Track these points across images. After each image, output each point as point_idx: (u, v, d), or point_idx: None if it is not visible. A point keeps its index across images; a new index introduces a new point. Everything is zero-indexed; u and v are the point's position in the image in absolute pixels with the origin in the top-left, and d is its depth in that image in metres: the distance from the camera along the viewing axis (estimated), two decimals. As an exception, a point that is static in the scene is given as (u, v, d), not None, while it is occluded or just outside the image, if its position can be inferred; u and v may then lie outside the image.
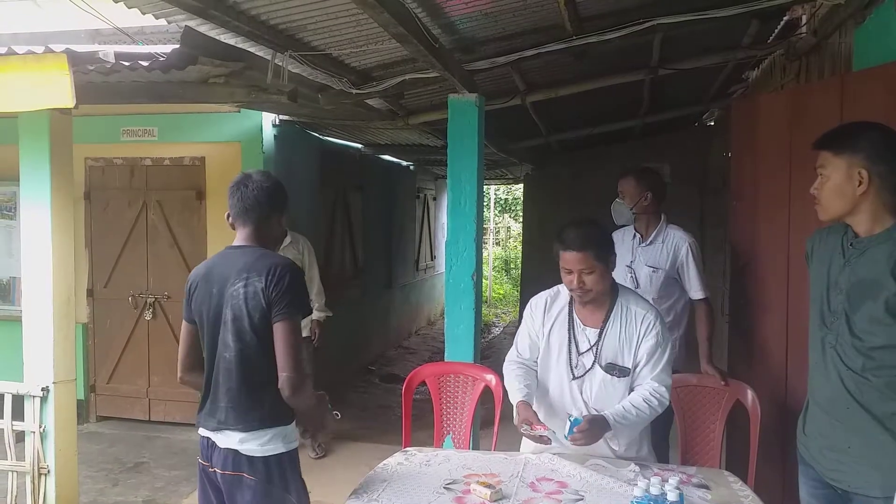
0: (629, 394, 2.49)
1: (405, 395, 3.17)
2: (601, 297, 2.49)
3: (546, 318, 2.61)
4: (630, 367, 2.50)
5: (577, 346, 2.54)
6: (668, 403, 2.50)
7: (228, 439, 2.17)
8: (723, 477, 2.43)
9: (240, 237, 2.31)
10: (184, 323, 2.35)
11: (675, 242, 3.42)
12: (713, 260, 7.52)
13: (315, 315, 4.99)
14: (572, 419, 2.31)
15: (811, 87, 3.83)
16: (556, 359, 2.57)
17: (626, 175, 3.52)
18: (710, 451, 2.92)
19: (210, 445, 2.23)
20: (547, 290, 2.68)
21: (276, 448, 2.17)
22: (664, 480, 2.04)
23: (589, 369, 2.51)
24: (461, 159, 4.18)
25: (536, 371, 2.64)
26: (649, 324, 2.49)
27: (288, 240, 4.12)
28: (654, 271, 3.41)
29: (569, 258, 2.41)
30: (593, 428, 2.32)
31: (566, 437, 2.32)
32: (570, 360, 2.54)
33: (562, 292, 2.63)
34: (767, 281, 3.46)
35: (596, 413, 2.42)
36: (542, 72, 4.67)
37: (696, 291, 3.41)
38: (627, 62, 4.79)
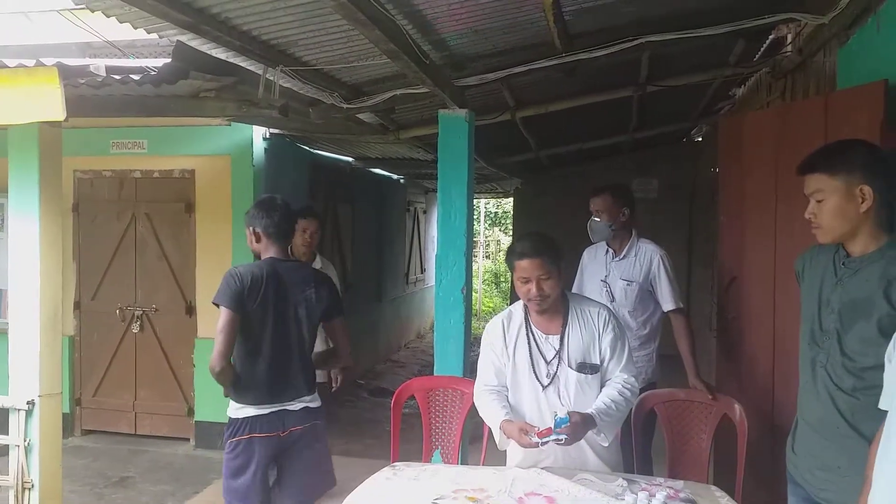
0: (601, 389, 2.53)
1: (394, 410, 3.17)
2: (556, 304, 2.56)
3: (507, 338, 2.63)
4: (598, 362, 2.55)
5: (543, 357, 2.57)
6: (638, 392, 2.62)
7: (301, 403, 2.90)
8: (710, 492, 2.43)
9: (277, 251, 2.89)
10: (230, 314, 2.74)
11: (647, 255, 3.48)
12: (702, 275, 7.58)
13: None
14: (558, 418, 2.31)
15: (796, 105, 3.89)
16: (528, 374, 2.58)
17: (602, 193, 3.54)
18: (697, 465, 2.93)
19: (285, 414, 2.86)
20: (499, 314, 2.72)
21: (319, 399, 3.00)
22: (651, 495, 2.05)
23: (557, 374, 2.54)
24: (451, 174, 4.20)
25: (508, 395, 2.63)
26: (605, 318, 2.58)
27: (318, 264, 4.10)
28: (628, 284, 3.47)
29: (526, 266, 2.47)
30: (582, 425, 2.34)
31: (554, 431, 2.29)
32: (540, 370, 2.56)
33: (514, 311, 2.67)
34: (754, 296, 3.49)
35: (581, 413, 2.41)
36: (531, 88, 4.71)
37: (667, 303, 3.45)
38: (616, 79, 4.85)
